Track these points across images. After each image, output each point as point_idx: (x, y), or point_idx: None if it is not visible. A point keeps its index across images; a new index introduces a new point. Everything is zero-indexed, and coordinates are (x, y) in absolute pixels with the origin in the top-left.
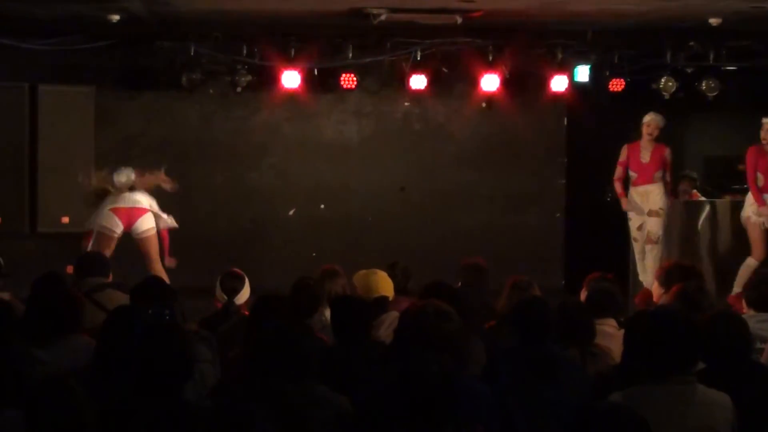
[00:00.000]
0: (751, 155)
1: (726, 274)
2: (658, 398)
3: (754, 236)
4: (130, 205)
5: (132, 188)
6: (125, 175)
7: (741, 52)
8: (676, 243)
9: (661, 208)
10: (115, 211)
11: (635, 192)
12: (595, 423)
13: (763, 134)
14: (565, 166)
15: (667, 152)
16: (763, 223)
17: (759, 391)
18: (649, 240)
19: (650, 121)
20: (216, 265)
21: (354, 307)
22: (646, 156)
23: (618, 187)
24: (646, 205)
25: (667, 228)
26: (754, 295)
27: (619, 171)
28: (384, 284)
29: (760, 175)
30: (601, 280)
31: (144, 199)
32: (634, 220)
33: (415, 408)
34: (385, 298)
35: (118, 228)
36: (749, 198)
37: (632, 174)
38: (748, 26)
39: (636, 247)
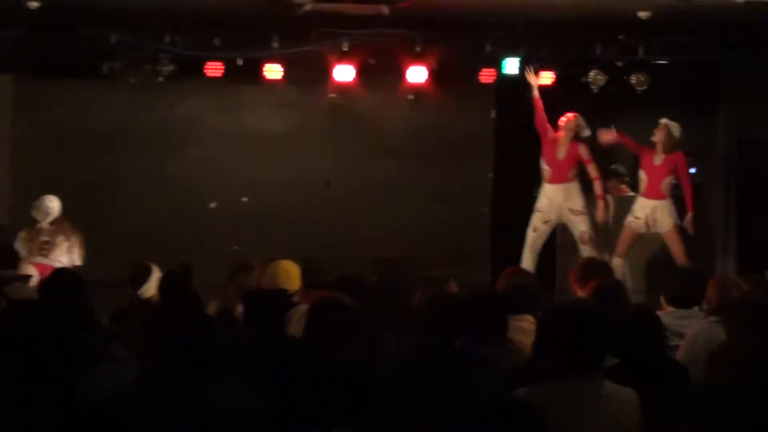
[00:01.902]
0: (641, 155)
1: (654, 267)
2: (564, 394)
3: (622, 235)
4: (49, 263)
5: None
6: (43, 212)
7: (671, 46)
8: (604, 239)
9: (583, 207)
10: (34, 264)
11: (550, 190)
12: (487, 420)
13: (656, 134)
14: (493, 160)
15: (581, 149)
16: (635, 225)
17: (670, 388)
18: (582, 241)
19: (571, 117)
20: (134, 258)
21: (266, 301)
22: (561, 152)
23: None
24: (564, 204)
25: (596, 225)
26: (674, 292)
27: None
28: (288, 276)
29: (643, 176)
30: (518, 275)
31: (65, 259)
32: (544, 214)
33: (321, 403)
34: (284, 291)
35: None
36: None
37: (545, 168)
38: (678, 20)
39: (532, 237)
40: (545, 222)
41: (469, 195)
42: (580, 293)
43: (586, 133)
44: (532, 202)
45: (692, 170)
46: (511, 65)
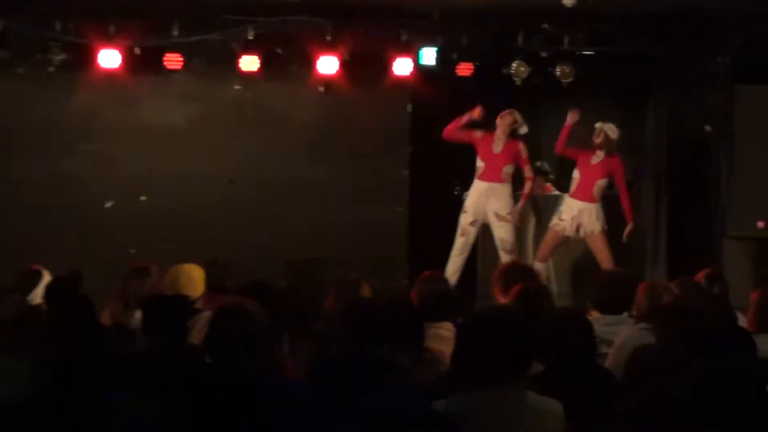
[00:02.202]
0: (578, 153)
1: (580, 271)
2: (485, 406)
3: (545, 237)
4: None
5: None
6: None
7: (597, 36)
8: (529, 240)
9: (509, 213)
10: None
11: (479, 187)
12: None
13: (595, 139)
14: (409, 157)
15: (521, 147)
16: (560, 228)
17: (599, 397)
18: (503, 249)
19: (508, 113)
20: (24, 262)
21: (166, 307)
22: (498, 146)
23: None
24: (490, 206)
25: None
26: (602, 298)
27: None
28: (190, 281)
29: (576, 175)
30: (435, 279)
31: None
32: (470, 214)
33: (226, 418)
34: (185, 297)
35: None
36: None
37: (479, 164)
38: (604, 9)
39: (460, 243)
40: (472, 223)
41: (385, 193)
42: (502, 299)
43: (524, 129)
44: (452, 202)
45: None
46: (428, 55)
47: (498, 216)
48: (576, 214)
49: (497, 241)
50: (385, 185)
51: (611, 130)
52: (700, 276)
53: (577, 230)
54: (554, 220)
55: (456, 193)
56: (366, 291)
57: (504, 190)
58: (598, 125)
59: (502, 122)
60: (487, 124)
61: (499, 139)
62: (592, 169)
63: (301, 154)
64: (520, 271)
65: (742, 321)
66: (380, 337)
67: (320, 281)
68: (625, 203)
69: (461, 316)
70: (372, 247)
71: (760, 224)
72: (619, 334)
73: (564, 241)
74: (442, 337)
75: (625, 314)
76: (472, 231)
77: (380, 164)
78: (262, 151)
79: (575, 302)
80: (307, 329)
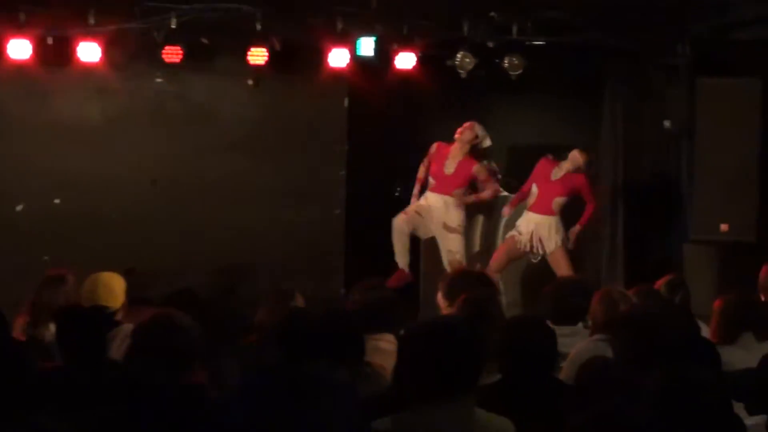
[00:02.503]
0: (539, 166)
1: (531, 278)
2: (429, 424)
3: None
4: None
5: None
6: None
7: (548, 25)
8: (476, 247)
9: (459, 225)
10: None
11: (431, 197)
12: None
13: (580, 163)
14: (346, 155)
15: (475, 169)
16: (517, 241)
17: (555, 412)
18: (450, 263)
19: (469, 126)
20: None
21: (83, 320)
22: (451, 166)
23: (416, 189)
24: (438, 217)
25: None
26: (555, 307)
27: (420, 171)
28: (110, 291)
29: (534, 189)
30: (375, 288)
31: None
32: (406, 221)
33: None
34: (104, 309)
35: None
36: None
37: (431, 180)
38: None
39: (400, 222)
40: (419, 214)
41: (320, 195)
42: (448, 309)
43: (487, 143)
44: (393, 204)
45: None
46: (366, 46)
47: (447, 227)
48: (534, 228)
49: (444, 254)
50: (320, 186)
51: (582, 157)
52: (660, 283)
53: (535, 246)
54: (512, 233)
55: (397, 194)
56: (300, 301)
57: (455, 202)
58: (578, 153)
59: (461, 139)
60: (446, 132)
61: (453, 158)
62: (551, 185)
63: (229, 153)
64: (468, 279)
65: (705, 331)
66: (316, 351)
67: (251, 290)
68: (587, 210)
69: (403, 327)
70: (306, 252)
71: (724, 227)
72: (573, 346)
73: (520, 256)
74: (383, 350)
75: (580, 325)
76: (415, 220)
77: (315, 164)
78: (187, 150)
79: (526, 312)
80: (237, 342)
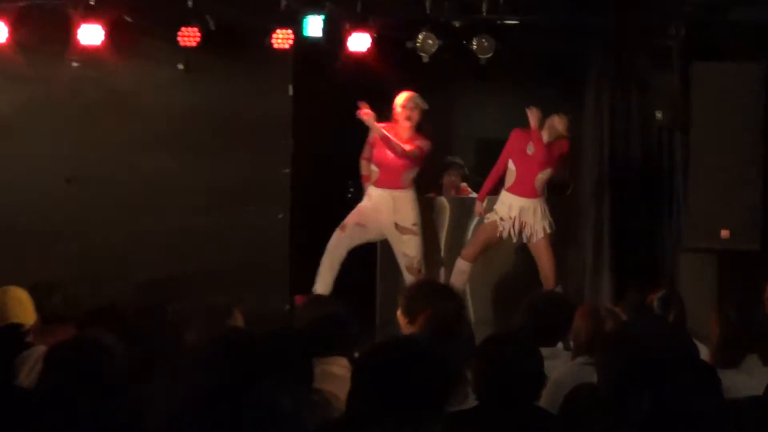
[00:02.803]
0: (512, 139)
1: (503, 292)
2: None
3: (478, 232)
4: None
5: None
6: None
7: (523, 2)
8: (441, 253)
9: (414, 224)
10: None
11: (375, 194)
12: None
13: (560, 131)
14: (291, 151)
15: (424, 145)
16: (499, 226)
17: None
18: (408, 269)
19: (408, 101)
20: None
21: None
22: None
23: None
24: (390, 216)
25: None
26: (531, 326)
27: (363, 166)
28: (22, 307)
29: (512, 167)
30: (324, 303)
31: None
32: (362, 216)
33: None
34: (17, 327)
35: None
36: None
37: (374, 169)
38: None
39: (336, 239)
40: (360, 225)
41: (262, 197)
42: (409, 328)
43: (422, 107)
44: (344, 206)
45: None
46: (313, 25)
47: (401, 228)
48: (517, 213)
49: (400, 259)
50: (261, 186)
51: (560, 122)
52: (652, 298)
53: (520, 233)
54: (491, 216)
55: (350, 195)
56: (238, 318)
57: (406, 197)
58: (557, 117)
59: (401, 115)
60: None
61: (399, 140)
62: (530, 160)
63: (157, 148)
64: (430, 292)
65: (704, 353)
66: (258, 377)
67: (183, 306)
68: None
69: (358, 348)
70: (246, 262)
71: (724, 233)
72: (553, 369)
73: (498, 243)
74: (335, 375)
75: (560, 345)
76: (357, 232)
77: (255, 160)
78: (109, 144)
79: (497, 331)
80: (167, 366)
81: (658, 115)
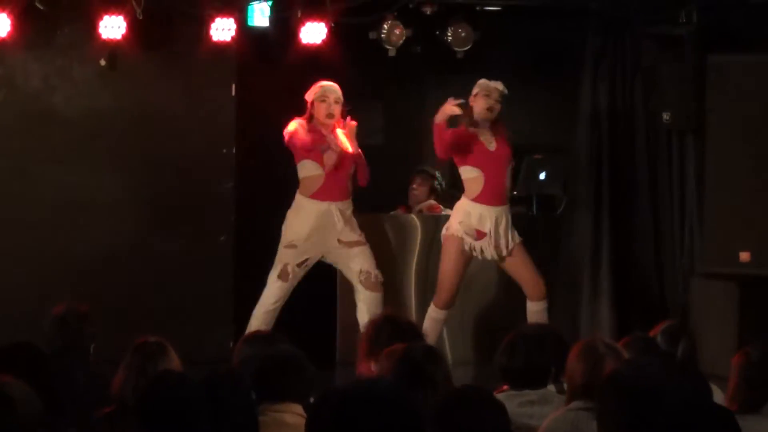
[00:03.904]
0: (457, 137)
1: (485, 326)
2: None
3: (449, 262)
4: None
5: None
6: None
7: None
8: (411, 279)
9: (360, 234)
10: None
11: (312, 209)
12: None
13: (490, 103)
14: (234, 161)
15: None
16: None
17: None
18: (368, 285)
19: (328, 89)
20: None
21: None
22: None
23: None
24: (333, 234)
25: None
26: (517, 366)
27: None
28: None
29: (473, 173)
30: (274, 341)
31: None
32: (298, 251)
33: None
34: None
35: None
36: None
37: (313, 170)
38: None
39: (277, 289)
40: (301, 264)
41: (200, 216)
42: (372, 369)
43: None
44: None
45: (541, 176)
46: (259, 13)
47: (345, 243)
48: (493, 226)
49: (354, 278)
50: (199, 203)
51: (500, 87)
52: (657, 330)
53: (493, 249)
54: (449, 229)
55: None
56: (174, 359)
57: (349, 207)
58: (481, 83)
59: (348, 128)
60: (368, 127)
61: (340, 144)
62: (494, 158)
63: (74, 158)
64: (396, 328)
65: (720, 396)
66: (196, 427)
67: (108, 344)
68: None
69: (314, 394)
70: (183, 291)
71: (744, 256)
72: (544, 416)
73: (469, 262)
74: (287, 424)
75: (552, 388)
76: (299, 274)
77: (192, 172)
78: (18, 152)
79: (478, 372)
80: (88, 416)
81: (666, 116)
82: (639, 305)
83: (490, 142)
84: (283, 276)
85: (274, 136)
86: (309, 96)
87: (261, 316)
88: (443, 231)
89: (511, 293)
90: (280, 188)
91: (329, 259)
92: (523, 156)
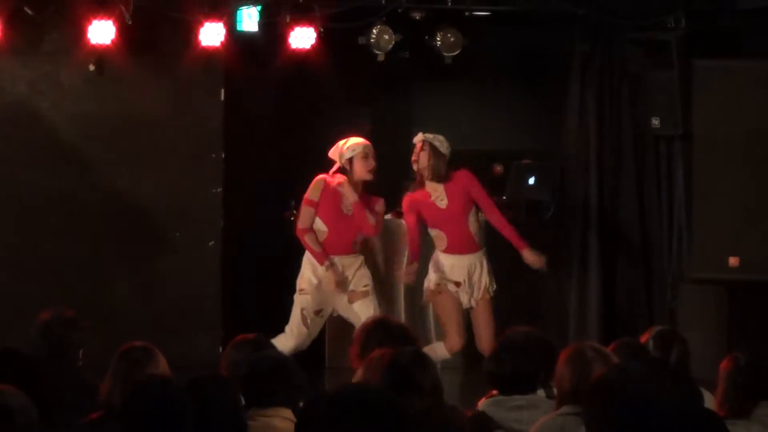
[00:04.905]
0: (408, 203)
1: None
2: None
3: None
4: None
5: None
6: None
7: None
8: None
9: (366, 285)
10: None
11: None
12: None
13: (417, 159)
14: (222, 166)
15: (379, 205)
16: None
17: None
18: None
19: (359, 143)
20: None
21: None
22: (348, 205)
23: (310, 243)
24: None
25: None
26: (505, 371)
27: (306, 215)
28: None
29: (433, 232)
30: (260, 345)
31: None
32: (312, 298)
33: None
34: None
35: None
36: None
37: (321, 227)
38: None
39: (300, 333)
40: (318, 312)
41: (188, 222)
42: (362, 373)
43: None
44: (286, 231)
45: (530, 181)
46: (248, 19)
47: (354, 294)
48: (466, 276)
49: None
50: (187, 210)
51: (440, 142)
52: (647, 336)
53: (469, 298)
54: (430, 280)
55: (293, 219)
56: (162, 364)
57: (357, 261)
58: (418, 138)
59: (362, 166)
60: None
61: (349, 195)
62: (448, 213)
63: (62, 163)
64: (388, 332)
65: (710, 401)
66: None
67: (97, 350)
68: (504, 229)
69: (303, 398)
70: (172, 297)
71: (733, 261)
72: (532, 422)
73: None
74: (277, 428)
75: (541, 392)
76: (318, 322)
77: (181, 178)
78: (4, 158)
79: (466, 378)
80: (75, 421)
81: (655, 121)
82: (627, 310)
83: (441, 200)
84: (303, 321)
85: (263, 141)
86: (344, 153)
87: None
88: (425, 284)
89: (499, 299)
90: (269, 194)
91: (340, 313)
92: (512, 161)
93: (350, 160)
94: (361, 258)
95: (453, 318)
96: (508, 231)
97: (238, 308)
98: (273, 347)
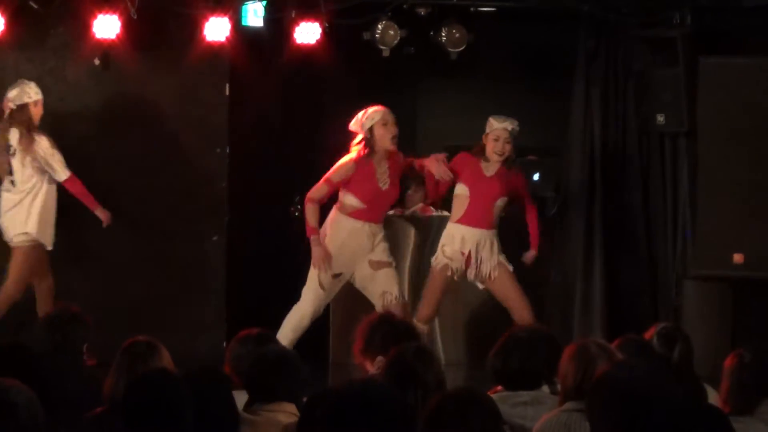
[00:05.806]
0: (460, 160)
1: (478, 328)
2: None
3: (434, 287)
4: None
5: None
6: None
7: None
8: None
9: (389, 255)
10: None
11: (352, 226)
12: None
13: (499, 146)
14: (227, 161)
15: (401, 158)
16: (449, 269)
17: None
18: (388, 306)
19: (380, 113)
20: None
21: None
22: (384, 179)
23: (310, 214)
24: (364, 254)
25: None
26: (510, 367)
27: (322, 190)
28: None
29: (463, 190)
30: (266, 340)
31: None
32: (334, 262)
33: None
34: None
35: None
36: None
37: (354, 202)
38: None
39: (309, 303)
40: (336, 276)
41: (193, 216)
42: (368, 368)
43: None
44: (289, 226)
45: (535, 177)
46: (253, 14)
47: (375, 263)
48: (473, 247)
49: (376, 299)
50: (192, 204)
51: (513, 125)
52: (651, 333)
53: (475, 272)
54: (438, 258)
55: (297, 214)
56: (166, 359)
57: (382, 231)
58: (496, 122)
59: (386, 135)
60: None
61: (381, 168)
62: (487, 183)
63: (68, 158)
64: (392, 329)
65: (713, 397)
66: (186, 427)
67: (101, 345)
68: (534, 229)
69: (307, 393)
70: (175, 292)
71: (738, 258)
72: (537, 417)
73: (453, 288)
74: (280, 423)
75: (545, 389)
76: (335, 285)
77: (185, 172)
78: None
79: (470, 374)
80: (79, 416)
81: (660, 118)
82: (632, 307)
83: (488, 170)
84: (320, 283)
85: (268, 136)
86: (364, 123)
87: (296, 321)
88: (432, 260)
89: None
90: (273, 187)
91: (356, 282)
92: (516, 158)
93: (371, 130)
94: (383, 231)
95: (436, 295)
96: (534, 231)
97: (242, 303)
98: (277, 342)
